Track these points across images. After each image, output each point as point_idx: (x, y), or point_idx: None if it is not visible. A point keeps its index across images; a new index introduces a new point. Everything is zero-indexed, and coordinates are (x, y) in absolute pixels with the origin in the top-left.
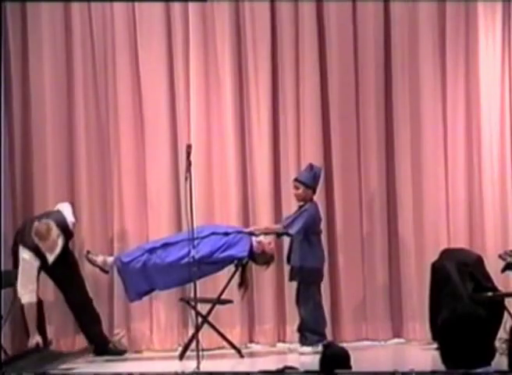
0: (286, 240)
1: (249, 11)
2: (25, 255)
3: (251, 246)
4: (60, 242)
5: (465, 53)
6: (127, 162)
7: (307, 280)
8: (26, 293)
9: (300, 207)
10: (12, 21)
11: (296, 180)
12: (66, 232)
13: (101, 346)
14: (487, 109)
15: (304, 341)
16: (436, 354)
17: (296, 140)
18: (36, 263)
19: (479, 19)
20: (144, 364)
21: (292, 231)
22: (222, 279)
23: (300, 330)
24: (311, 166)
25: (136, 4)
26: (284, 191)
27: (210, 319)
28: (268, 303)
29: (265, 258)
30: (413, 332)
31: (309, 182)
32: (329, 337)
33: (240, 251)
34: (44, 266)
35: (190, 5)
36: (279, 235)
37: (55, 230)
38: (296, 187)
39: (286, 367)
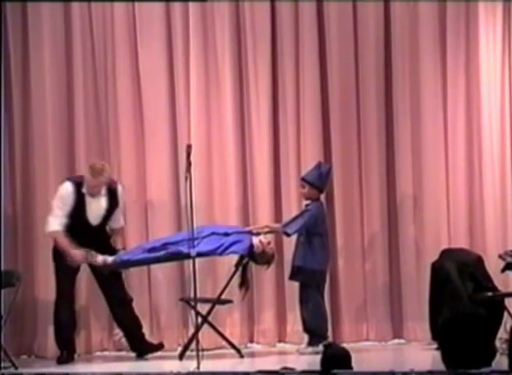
0: (287, 239)
1: (249, 11)
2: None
3: (251, 246)
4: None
5: (465, 53)
6: (127, 162)
7: (306, 281)
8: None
9: (307, 206)
10: (12, 21)
11: (301, 178)
12: None
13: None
14: (487, 109)
15: (308, 342)
16: (436, 354)
17: (296, 139)
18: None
19: (479, 19)
20: (144, 364)
21: (290, 231)
22: (222, 279)
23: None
24: (318, 165)
25: (136, 4)
26: (284, 190)
27: (210, 319)
28: (268, 303)
29: (265, 258)
30: (413, 332)
31: (313, 181)
32: (330, 337)
33: (241, 248)
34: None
35: (190, 5)
36: (286, 234)
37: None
38: (302, 186)
39: (284, 368)
